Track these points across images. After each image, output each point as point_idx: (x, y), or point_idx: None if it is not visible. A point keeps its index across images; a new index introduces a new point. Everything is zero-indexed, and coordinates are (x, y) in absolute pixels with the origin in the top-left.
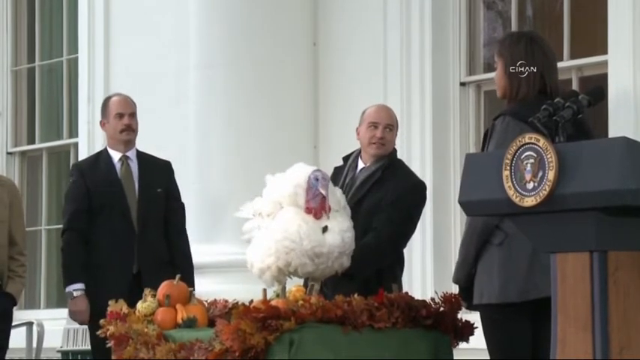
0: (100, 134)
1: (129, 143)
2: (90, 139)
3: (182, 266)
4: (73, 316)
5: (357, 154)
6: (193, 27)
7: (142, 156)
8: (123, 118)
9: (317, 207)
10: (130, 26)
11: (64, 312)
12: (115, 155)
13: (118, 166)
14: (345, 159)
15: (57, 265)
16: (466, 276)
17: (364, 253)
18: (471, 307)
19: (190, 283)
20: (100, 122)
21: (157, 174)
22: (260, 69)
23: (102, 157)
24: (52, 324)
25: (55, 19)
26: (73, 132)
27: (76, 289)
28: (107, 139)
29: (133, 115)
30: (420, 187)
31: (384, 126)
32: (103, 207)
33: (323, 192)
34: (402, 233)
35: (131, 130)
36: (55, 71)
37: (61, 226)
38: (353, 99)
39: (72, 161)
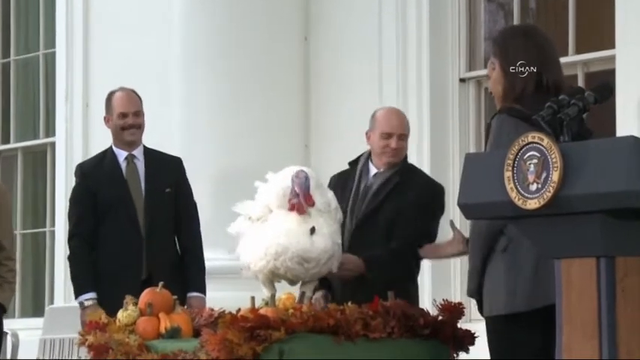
0: (78, 133)
1: (134, 143)
2: (68, 138)
3: (192, 271)
4: None
5: (367, 157)
6: (178, 20)
7: (149, 153)
8: (127, 117)
9: (297, 203)
10: (110, 18)
11: (39, 322)
12: (121, 154)
13: (123, 165)
14: (353, 163)
15: (32, 272)
16: (477, 287)
17: (389, 259)
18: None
19: (201, 289)
20: (104, 118)
21: (166, 172)
22: (248, 65)
23: (107, 156)
24: (28, 334)
25: (32, 11)
26: (50, 131)
27: (88, 298)
28: (112, 137)
29: (137, 113)
30: (442, 192)
31: (397, 136)
32: (108, 209)
33: (297, 189)
34: (426, 240)
35: (135, 128)
36: (31, 66)
37: (36, 230)
38: (346, 96)
39: (49, 162)
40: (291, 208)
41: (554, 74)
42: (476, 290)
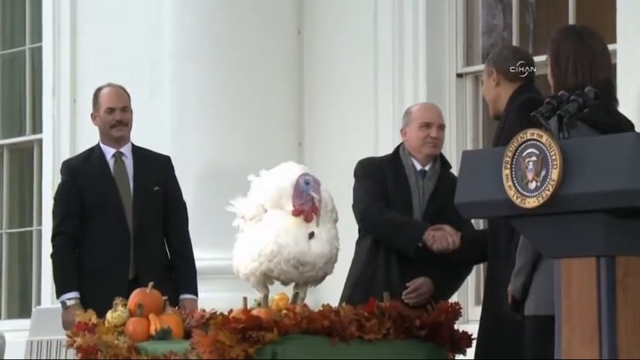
0: (66, 130)
1: (121, 139)
2: (55, 135)
3: (183, 272)
4: (68, 327)
5: (407, 154)
6: (169, 13)
7: (138, 151)
8: (114, 112)
9: (307, 210)
10: (98, 11)
11: (26, 323)
12: (108, 151)
13: (111, 163)
14: (386, 159)
15: (19, 273)
16: (523, 285)
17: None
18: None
19: (194, 290)
20: (91, 115)
21: (155, 171)
22: (240, 60)
23: (94, 153)
24: (14, 336)
25: (17, 4)
26: (37, 127)
27: (70, 297)
28: (99, 134)
29: (125, 108)
30: None
31: (437, 125)
32: (95, 208)
33: (316, 196)
34: None
35: (123, 125)
36: (16, 61)
37: (23, 229)
38: (341, 92)
39: (35, 159)
40: (298, 213)
41: (604, 74)
42: (520, 289)
